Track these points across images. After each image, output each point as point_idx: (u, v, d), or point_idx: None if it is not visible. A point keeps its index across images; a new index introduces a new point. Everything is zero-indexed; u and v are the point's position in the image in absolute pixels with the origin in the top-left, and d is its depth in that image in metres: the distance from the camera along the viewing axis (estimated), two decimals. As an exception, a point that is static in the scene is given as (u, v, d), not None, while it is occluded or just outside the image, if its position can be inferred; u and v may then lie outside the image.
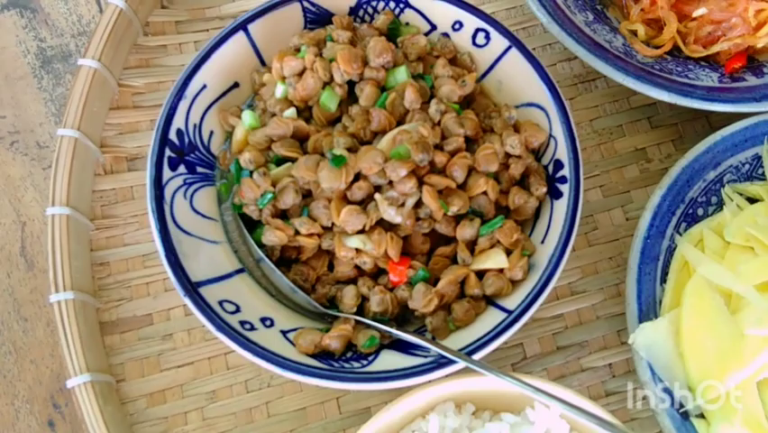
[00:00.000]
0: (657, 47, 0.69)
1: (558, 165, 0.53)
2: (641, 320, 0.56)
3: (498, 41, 0.56)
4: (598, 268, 0.65)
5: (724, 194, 0.62)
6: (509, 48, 0.56)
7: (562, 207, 0.51)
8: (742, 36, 0.65)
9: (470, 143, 0.52)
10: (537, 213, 0.54)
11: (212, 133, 0.56)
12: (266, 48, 0.58)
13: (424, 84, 0.54)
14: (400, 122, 0.52)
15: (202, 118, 0.55)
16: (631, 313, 0.56)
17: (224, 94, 0.57)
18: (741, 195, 0.62)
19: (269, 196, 0.49)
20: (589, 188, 0.68)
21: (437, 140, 0.50)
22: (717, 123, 0.69)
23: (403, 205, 0.48)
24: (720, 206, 0.62)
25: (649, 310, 0.57)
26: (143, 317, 0.62)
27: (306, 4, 0.57)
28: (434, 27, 0.59)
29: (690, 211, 0.61)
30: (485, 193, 0.50)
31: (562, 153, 0.53)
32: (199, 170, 0.54)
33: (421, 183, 0.49)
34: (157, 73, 0.71)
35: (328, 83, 0.53)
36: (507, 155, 0.52)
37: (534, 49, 0.74)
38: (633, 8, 0.69)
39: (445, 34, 0.59)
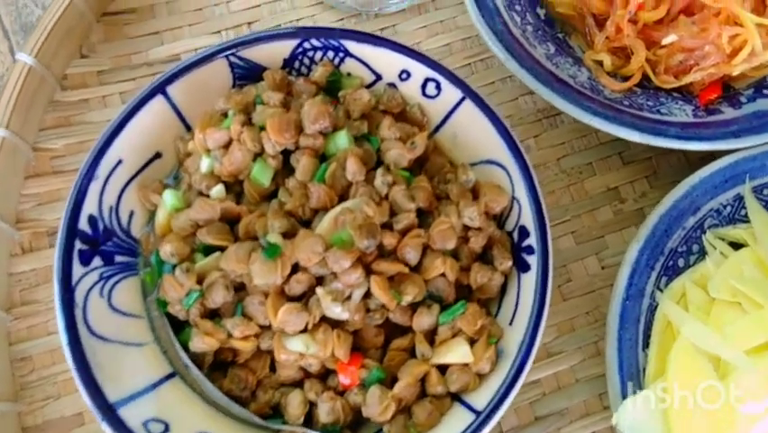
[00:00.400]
0: (625, 77, 0.63)
1: (523, 232, 0.47)
2: (624, 394, 0.50)
3: (451, 92, 0.50)
4: (574, 325, 0.60)
5: (706, 241, 0.56)
6: (463, 99, 0.50)
7: (530, 282, 0.45)
8: (716, 65, 0.59)
9: (424, 215, 0.46)
10: (504, 286, 0.48)
11: (132, 213, 0.49)
12: (190, 110, 0.51)
13: (369, 148, 0.48)
14: (343, 196, 0.45)
15: (119, 198, 0.48)
16: (613, 386, 0.50)
17: (144, 167, 0.49)
18: (724, 240, 0.57)
19: (195, 295, 0.43)
20: (560, 236, 0.63)
21: (385, 217, 0.44)
22: (694, 156, 0.63)
23: (350, 297, 0.42)
24: (702, 254, 0.56)
25: (632, 381, 0.51)
26: (73, 417, 0.54)
27: (232, 59, 0.50)
28: (379, 77, 0.52)
29: (671, 263, 0.55)
30: (443, 275, 0.44)
31: (527, 219, 0.47)
32: (119, 259, 0.47)
33: (369, 271, 0.42)
34: (79, 132, 0.63)
35: (260, 154, 0.46)
36: (466, 227, 0.46)
37: (493, 82, 0.69)
38: (597, 36, 0.63)
39: (392, 85, 0.52)
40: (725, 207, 0.57)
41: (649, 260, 0.54)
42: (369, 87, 0.53)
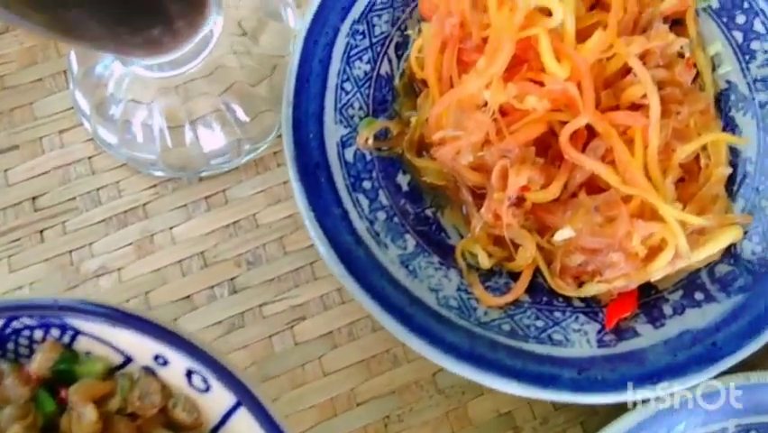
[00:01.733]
0: (513, 273, 0.47)
1: None
2: None
3: (222, 393, 0.34)
4: None
5: None
6: (238, 405, 0.34)
7: None
8: (626, 276, 0.43)
9: None
10: None
11: None
12: None
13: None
14: None
15: None
16: None
17: None
18: None
19: None
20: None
21: None
22: (609, 369, 0.47)
23: None
24: None
25: None
26: None
27: None
28: (129, 359, 0.37)
29: None
30: None
31: None
32: None
33: None
34: None
35: None
36: None
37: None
38: (474, 218, 0.47)
39: (148, 369, 0.37)
40: (639, 472, 0.42)
41: None
42: (119, 368, 0.37)
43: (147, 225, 0.52)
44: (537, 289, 0.46)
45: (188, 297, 0.51)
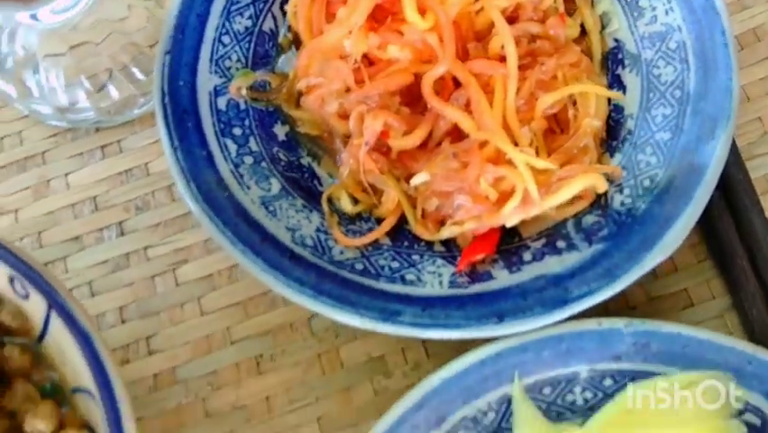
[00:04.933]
0: (381, 220, 0.47)
1: None
2: None
3: (37, 300, 0.35)
4: None
5: (448, 472, 0.40)
6: (50, 310, 0.35)
7: None
8: (476, 218, 0.42)
9: None
10: None
11: None
12: None
13: None
14: None
15: None
16: None
17: None
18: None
19: None
20: (300, 424, 0.46)
21: None
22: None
23: None
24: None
25: None
26: None
27: None
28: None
29: None
30: None
31: None
32: None
33: None
34: None
35: None
36: None
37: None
38: (342, 164, 0.47)
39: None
40: (485, 413, 0.41)
41: None
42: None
43: (44, 172, 0.53)
44: (401, 234, 0.46)
45: (78, 237, 0.52)
